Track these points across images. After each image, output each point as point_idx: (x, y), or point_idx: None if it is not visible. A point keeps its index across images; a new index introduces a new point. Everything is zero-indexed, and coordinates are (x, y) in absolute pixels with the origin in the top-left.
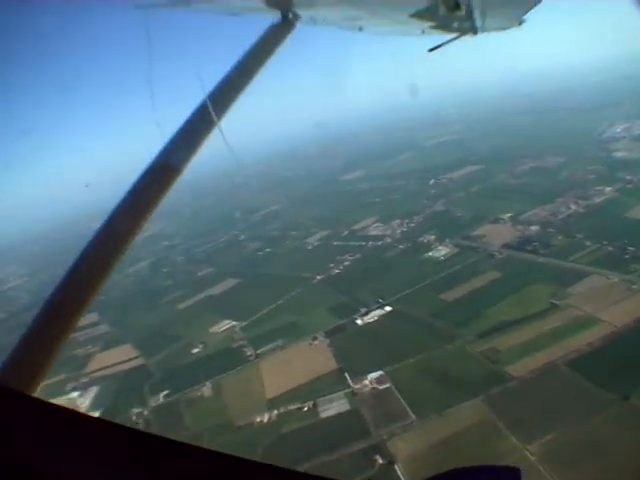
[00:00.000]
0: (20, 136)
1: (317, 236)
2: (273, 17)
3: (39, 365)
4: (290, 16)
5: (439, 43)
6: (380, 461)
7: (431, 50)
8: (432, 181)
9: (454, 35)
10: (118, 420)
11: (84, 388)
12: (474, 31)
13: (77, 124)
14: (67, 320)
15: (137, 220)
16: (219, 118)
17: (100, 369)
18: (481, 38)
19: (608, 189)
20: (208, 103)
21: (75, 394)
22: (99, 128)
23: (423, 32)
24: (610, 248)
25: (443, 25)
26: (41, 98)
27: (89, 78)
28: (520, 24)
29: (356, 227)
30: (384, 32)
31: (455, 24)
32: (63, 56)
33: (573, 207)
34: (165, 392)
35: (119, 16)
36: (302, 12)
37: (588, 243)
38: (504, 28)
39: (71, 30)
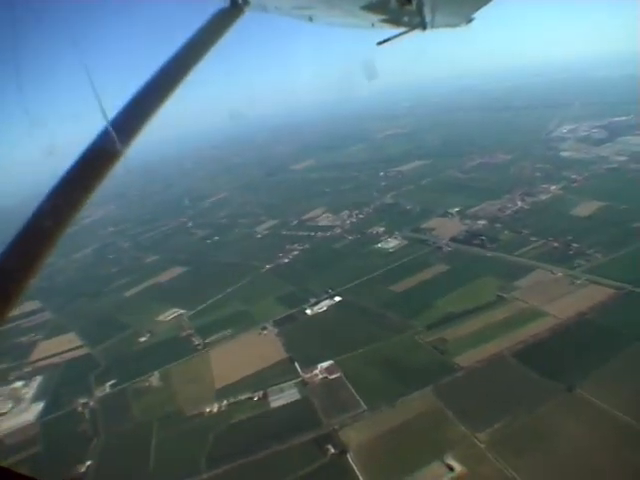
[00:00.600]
0: None
1: (266, 225)
2: (223, 1)
3: None
4: (239, 1)
5: (388, 37)
6: (332, 450)
7: (380, 43)
8: (382, 173)
9: (403, 30)
10: (63, 412)
11: (28, 377)
12: (423, 27)
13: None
14: None
15: (72, 207)
16: (164, 100)
17: (44, 358)
18: (431, 34)
19: (554, 187)
20: (152, 85)
21: (19, 384)
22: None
23: (373, 25)
24: (555, 244)
25: (393, 19)
26: None
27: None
28: (469, 22)
29: (305, 217)
30: (334, 23)
31: (405, 19)
32: None
33: (520, 203)
34: (112, 382)
35: None
36: None
37: (534, 239)
38: (453, 26)
39: None
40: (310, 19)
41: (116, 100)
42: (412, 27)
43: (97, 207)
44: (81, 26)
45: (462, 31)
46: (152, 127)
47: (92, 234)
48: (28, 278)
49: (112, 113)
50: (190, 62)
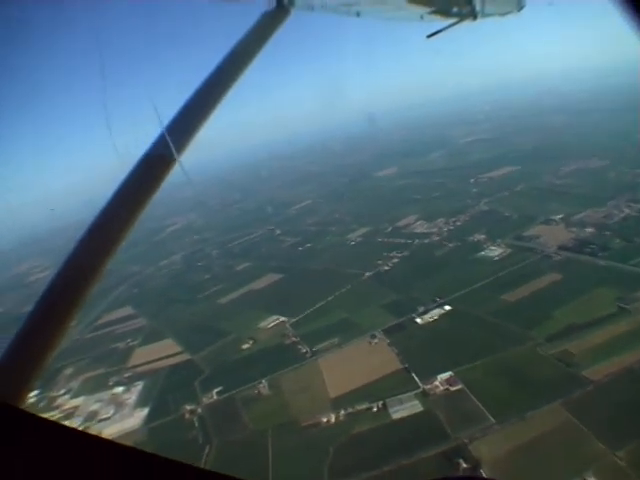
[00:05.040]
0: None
1: (358, 232)
2: (268, 3)
3: (32, 368)
4: (285, 2)
5: (438, 29)
6: (464, 465)
7: (430, 36)
8: (472, 180)
9: (453, 20)
10: (170, 418)
11: (129, 383)
12: (474, 16)
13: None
14: (61, 320)
15: (132, 213)
16: (214, 105)
17: (143, 364)
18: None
19: None
20: (202, 93)
21: (119, 389)
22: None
23: (422, 17)
24: None
25: (442, 10)
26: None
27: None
28: (520, 9)
29: (399, 224)
30: (382, 17)
31: (454, 9)
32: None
33: (626, 210)
34: (218, 389)
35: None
36: None
37: None
38: (504, 13)
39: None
40: (357, 14)
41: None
42: (462, 17)
43: (178, 216)
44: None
45: (513, 18)
46: (222, 137)
47: (177, 242)
48: (90, 286)
49: (165, 121)
50: (238, 67)
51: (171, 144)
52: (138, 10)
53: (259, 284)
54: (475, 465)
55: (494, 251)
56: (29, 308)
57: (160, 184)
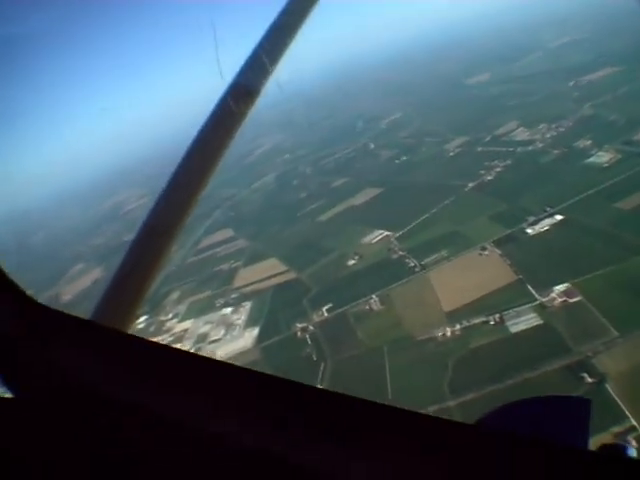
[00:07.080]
0: None
1: (456, 142)
2: None
3: (137, 295)
4: None
5: None
6: (588, 379)
7: None
8: (571, 83)
9: None
10: (281, 337)
11: (236, 303)
12: None
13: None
14: (161, 246)
15: (222, 141)
16: (297, 31)
17: (249, 284)
18: None
19: None
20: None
21: (228, 310)
22: None
23: None
24: None
25: None
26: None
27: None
28: None
29: (498, 132)
30: None
31: None
32: None
33: None
34: (328, 306)
35: None
36: None
37: None
38: None
39: None
40: None
41: None
42: None
43: (266, 137)
44: None
45: None
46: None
47: (268, 163)
48: (187, 212)
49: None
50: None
51: (256, 73)
52: None
53: (358, 199)
54: (600, 379)
55: (602, 157)
56: (128, 237)
57: (245, 116)
